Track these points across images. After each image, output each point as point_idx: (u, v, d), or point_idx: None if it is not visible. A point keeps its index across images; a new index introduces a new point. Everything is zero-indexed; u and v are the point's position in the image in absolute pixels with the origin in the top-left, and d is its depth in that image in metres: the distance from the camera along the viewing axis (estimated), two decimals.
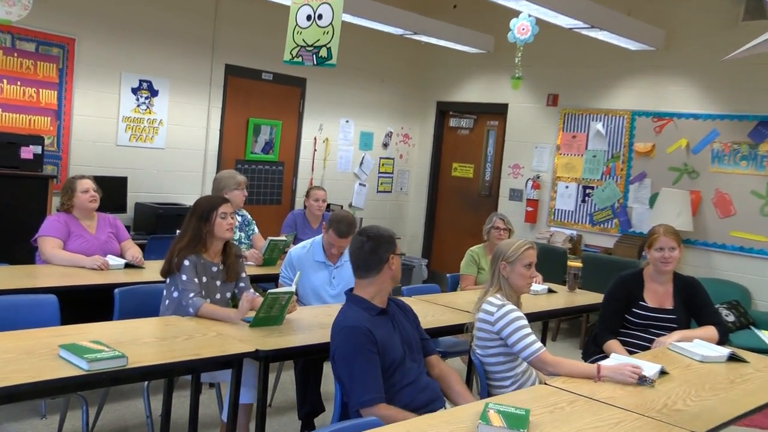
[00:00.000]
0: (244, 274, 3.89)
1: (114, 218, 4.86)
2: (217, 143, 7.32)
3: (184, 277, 3.56)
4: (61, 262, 4.38)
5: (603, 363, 3.19)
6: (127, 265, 4.51)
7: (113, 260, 4.50)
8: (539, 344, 3.19)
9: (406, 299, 3.86)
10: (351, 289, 3.08)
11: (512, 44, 5.50)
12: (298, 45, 4.13)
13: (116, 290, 3.81)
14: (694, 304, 4.03)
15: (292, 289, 3.52)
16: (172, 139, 6.96)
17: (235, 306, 3.65)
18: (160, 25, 6.73)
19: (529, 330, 3.22)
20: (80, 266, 4.33)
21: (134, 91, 6.64)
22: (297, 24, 4.15)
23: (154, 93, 6.76)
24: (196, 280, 3.59)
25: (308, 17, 4.10)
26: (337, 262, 4.36)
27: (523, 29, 5.39)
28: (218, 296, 3.74)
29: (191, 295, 3.52)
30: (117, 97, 6.54)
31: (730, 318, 6.36)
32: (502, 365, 3.32)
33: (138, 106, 6.67)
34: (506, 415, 2.46)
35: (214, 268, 3.73)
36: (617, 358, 3.31)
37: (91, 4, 6.28)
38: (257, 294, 3.71)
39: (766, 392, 3.21)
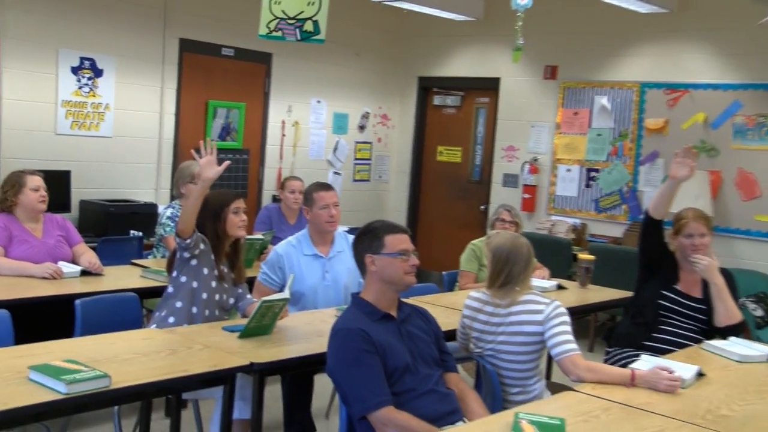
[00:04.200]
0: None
1: (63, 219, 4.84)
2: (173, 130, 7.32)
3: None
4: (4, 271, 4.31)
5: (636, 366, 3.29)
6: (84, 273, 4.50)
7: (67, 267, 4.49)
8: (576, 345, 3.32)
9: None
10: (358, 292, 3.15)
11: (504, 10, 5.59)
12: (276, 17, 4.16)
13: (77, 302, 3.81)
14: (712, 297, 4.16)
15: (287, 295, 3.58)
16: (120, 126, 6.94)
17: (245, 316, 3.83)
18: None
19: (571, 329, 3.37)
20: (28, 275, 4.30)
21: (74, 70, 6.60)
22: None
23: (98, 73, 6.73)
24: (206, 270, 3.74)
25: None
26: (330, 252, 4.42)
27: None
28: (217, 297, 3.83)
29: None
30: (54, 77, 6.50)
31: (758, 312, 6.54)
32: (529, 372, 3.46)
33: (80, 88, 6.64)
34: (541, 425, 2.55)
35: (224, 269, 3.85)
36: (651, 361, 3.41)
37: None
38: (255, 300, 3.79)
39: None
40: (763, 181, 7.05)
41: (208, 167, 3.64)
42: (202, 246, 3.72)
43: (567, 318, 3.40)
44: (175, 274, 3.77)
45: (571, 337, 3.33)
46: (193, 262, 3.73)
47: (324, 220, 4.37)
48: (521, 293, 3.47)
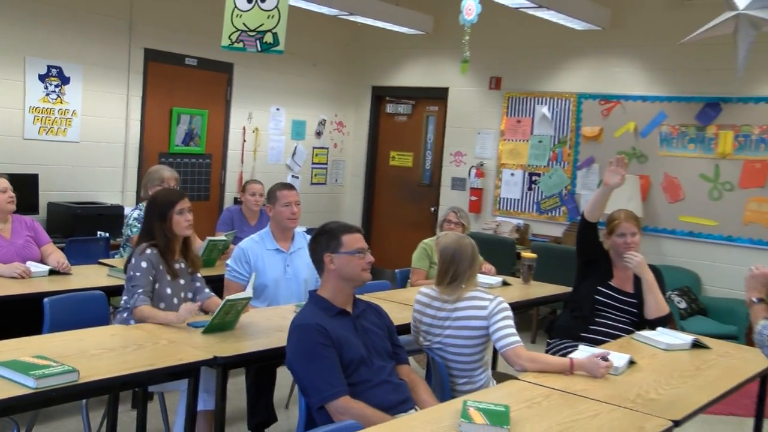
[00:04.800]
0: (199, 274, 3.93)
1: (31, 220, 4.75)
2: (138, 135, 7.22)
3: (138, 274, 3.59)
4: None
5: (574, 356, 3.35)
6: (51, 272, 4.42)
7: (35, 267, 4.40)
8: (518, 337, 3.36)
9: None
10: (315, 290, 3.15)
11: (452, 25, 5.62)
12: (238, 29, 4.14)
13: (46, 300, 3.74)
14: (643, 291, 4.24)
15: (249, 294, 3.55)
16: (87, 132, 6.83)
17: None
18: (70, 4, 6.57)
19: (513, 322, 3.41)
20: None
21: (42, 78, 6.47)
22: (236, 6, 4.15)
23: (65, 80, 6.61)
24: (152, 278, 3.63)
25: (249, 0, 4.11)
26: (290, 247, 4.43)
27: (470, 10, 5.51)
28: (182, 295, 3.77)
29: (140, 290, 3.56)
30: (22, 84, 6.36)
31: (682, 305, 6.69)
32: (474, 363, 3.48)
33: (47, 95, 6.51)
34: (487, 412, 2.57)
35: (177, 266, 3.77)
36: (588, 351, 3.47)
37: None
38: (213, 294, 3.75)
39: (732, 377, 3.43)
40: (687, 186, 7.20)
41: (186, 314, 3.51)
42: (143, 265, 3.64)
43: (509, 312, 3.43)
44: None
45: (513, 330, 3.37)
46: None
47: (285, 216, 4.40)
48: (466, 290, 3.49)
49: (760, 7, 3.54)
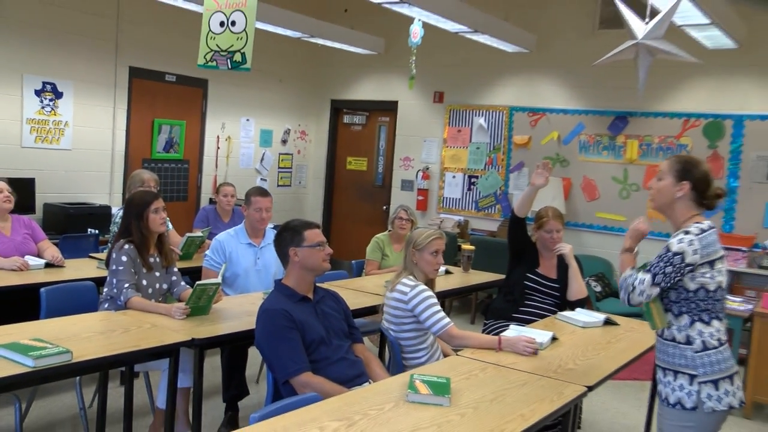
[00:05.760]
0: (175, 268, 3.87)
1: (29, 219, 4.67)
2: (124, 143, 7.10)
3: (121, 268, 3.54)
4: None
5: (503, 335, 3.39)
6: (47, 265, 4.36)
7: (33, 260, 4.34)
8: (447, 320, 3.35)
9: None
10: (280, 279, 3.15)
11: (401, 46, 5.68)
12: (211, 50, 4.11)
13: (42, 290, 3.70)
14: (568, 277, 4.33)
15: (218, 280, 3.54)
16: (78, 140, 6.70)
17: (180, 300, 3.71)
18: (63, 27, 6.45)
19: (438, 307, 3.39)
20: None
21: (38, 93, 6.34)
22: (210, 30, 4.13)
23: (58, 95, 6.48)
24: (133, 270, 3.56)
25: (221, 23, 4.09)
26: (261, 243, 4.44)
27: (415, 34, 5.56)
28: (157, 286, 3.72)
29: (126, 285, 3.50)
30: (20, 99, 6.23)
31: (598, 288, 6.83)
32: (414, 339, 3.47)
33: (42, 108, 6.38)
34: (431, 383, 2.61)
35: (151, 259, 3.71)
36: (517, 330, 3.53)
37: None
38: (189, 286, 3.71)
39: (636, 348, 3.53)
40: (602, 186, 7.35)
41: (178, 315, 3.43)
42: (124, 259, 3.58)
43: (430, 300, 3.36)
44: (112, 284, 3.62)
45: (439, 314, 3.33)
46: None
47: (255, 219, 4.43)
48: (398, 279, 3.48)
49: (654, 38, 3.65)
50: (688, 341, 2.65)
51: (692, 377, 2.63)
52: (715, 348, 2.63)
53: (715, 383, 2.61)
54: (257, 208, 4.40)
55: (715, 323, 2.65)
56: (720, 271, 2.63)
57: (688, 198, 2.70)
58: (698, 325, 2.64)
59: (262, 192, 4.50)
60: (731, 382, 2.64)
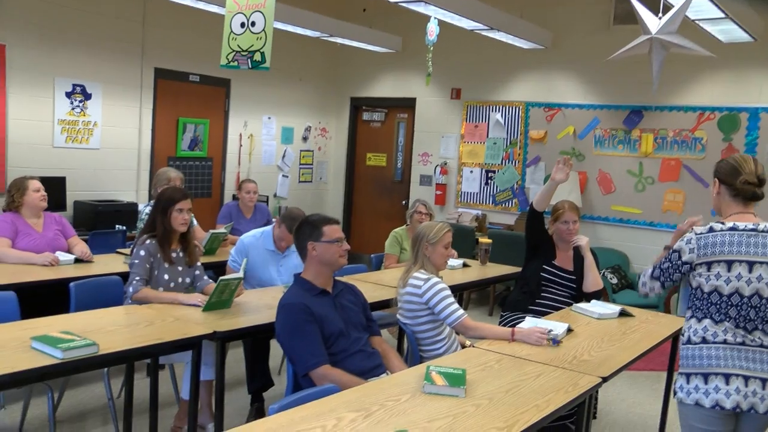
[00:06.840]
0: (198, 263, 3.88)
1: (60, 216, 4.72)
2: (150, 142, 7.15)
3: (136, 261, 3.56)
4: (11, 260, 4.21)
5: (521, 326, 3.36)
6: (77, 260, 4.40)
7: (63, 256, 4.37)
8: (462, 311, 3.35)
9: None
10: (299, 273, 3.14)
11: (418, 44, 5.63)
12: (233, 50, 4.11)
13: (71, 284, 3.73)
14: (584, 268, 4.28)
15: (240, 275, 3.55)
16: (107, 140, 6.76)
17: (203, 293, 3.71)
18: (91, 32, 6.50)
19: (452, 299, 3.38)
20: (31, 263, 4.19)
21: (68, 95, 6.40)
22: (232, 31, 4.13)
23: (87, 96, 6.54)
24: (148, 266, 3.58)
25: (242, 24, 4.09)
26: (285, 251, 4.39)
27: (432, 32, 5.52)
28: (180, 280, 3.73)
29: (137, 278, 3.52)
30: (51, 101, 6.30)
31: (614, 280, 6.76)
32: (431, 332, 3.46)
33: (72, 109, 6.44)
34: (446, 375, 2.59)
35: (174, 254, 3.72)
36: (531, 322, 3.50)
37: (19, 11, 6.01)
38: (211, 281, 3.72)
39: (651, 339, 3.49)
40: (617, 179, 7.27)
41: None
42: (141, 253, 3.60)
43: (443, 292, 3.36)
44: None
45: (453, 306, 3.33)
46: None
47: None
48: (414, 270, 3.47)
49: (668, 32, 3.59)
50: (682, 333, 2.67)
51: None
52: (696, 344, 2.58)
53: (687, 377, 2.58)
54: (279, 237, 4.26)
55: (706, 322, 2.57)
56: (719, 276, 2.50)
57: (725, 195, 2.62)
58: (692, 321, 2.62)
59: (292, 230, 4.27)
60: (705, 380, 2.53)
